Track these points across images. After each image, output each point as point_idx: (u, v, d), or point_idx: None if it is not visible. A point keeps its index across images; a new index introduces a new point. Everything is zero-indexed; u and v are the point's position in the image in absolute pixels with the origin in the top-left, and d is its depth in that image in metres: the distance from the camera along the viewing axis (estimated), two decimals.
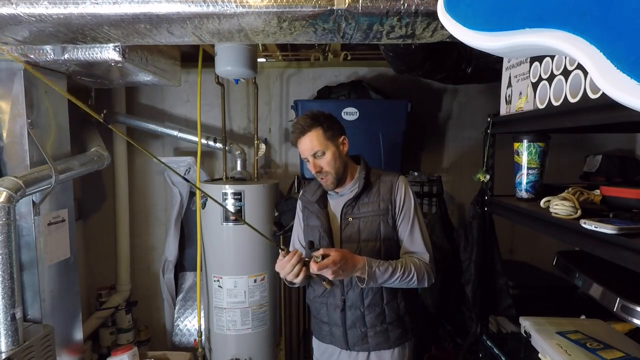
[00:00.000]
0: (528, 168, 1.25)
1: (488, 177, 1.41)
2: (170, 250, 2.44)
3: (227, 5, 1.13)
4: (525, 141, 1.24)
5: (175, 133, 2.30)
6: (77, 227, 2.16)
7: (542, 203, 1.11)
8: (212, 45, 2.08)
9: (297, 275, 1.11)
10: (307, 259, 1.11)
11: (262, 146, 2.33)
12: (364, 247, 1.29)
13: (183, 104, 2.52)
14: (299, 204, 1.48)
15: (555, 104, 0.98)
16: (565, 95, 0.93)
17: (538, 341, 1.23)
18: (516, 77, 1.21)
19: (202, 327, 2.22)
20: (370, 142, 2.10)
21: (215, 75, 2.16)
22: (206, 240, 2.15)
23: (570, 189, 1.07)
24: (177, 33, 1.25)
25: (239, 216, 1.95)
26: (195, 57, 2.19)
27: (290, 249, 1.39)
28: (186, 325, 2.47)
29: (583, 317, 1.45)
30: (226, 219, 2.02)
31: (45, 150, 1.60)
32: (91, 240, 2.54)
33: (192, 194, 2.42)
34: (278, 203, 2.13)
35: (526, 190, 1.26)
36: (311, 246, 1.11)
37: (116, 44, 1.45)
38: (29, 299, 1.61)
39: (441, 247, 2.02)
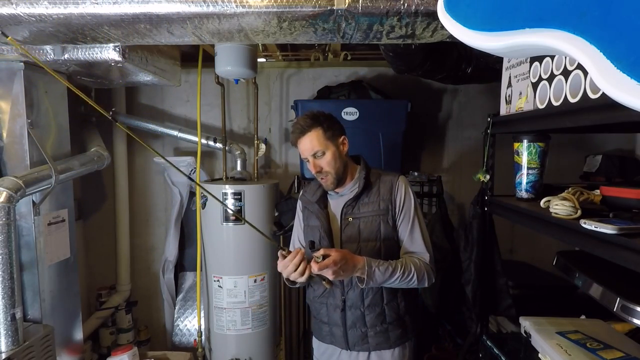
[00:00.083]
0: (528, 168, 1.25)
1: (488, 177, 1.41)
2: (170, 250, 2.44)
3: (227, 5, 1.13)
4: (525, 141, 1.24)
5: (175, 133, 2.30)
6: (77, 227, 2.16)
7: (542, 203, 1.11)
8: (212, 45, 2.08)
9: (303, 273, 1.09)
10: (307, 259, 1.11)
11: (262, 146, 2.34)
12: (364, 247, 1.28)
13: (183, 104, 2.52)
14: (299, 204, 1.48)
15: (555, 104, 0.98)
16: (565, 95, 0.93)
17: (538, 341, 1.23)
18: (516, 77, 1.21)
19: (202, 327, 2.22)
20: (370, 142, 2.10)
21: (215, 75, 2.16)
22: (206, 240, 2.15)
23: (570, 189, 1.07)
24: (177, 33, 1.25)
25: (239, 215, 1.95)
26: (195, 57, 2.19)
27: (291, 248, 1.39)
28: (186, 325, 2.46)
29: (583, 317, 1.45)
30: (226, 219, 2.02)
31: (45, 150, 1.60)
32: (91, 240, 2.54)
33: (192, 194, 2.42)
34: (278, 203, 2.13)
35: (526, 190, 1.26)
36: (312, 246, 1.11)
37: (116, 44, 1.45)
38: (29, 299, 1.61)
39: (441, 247, 2.03)
